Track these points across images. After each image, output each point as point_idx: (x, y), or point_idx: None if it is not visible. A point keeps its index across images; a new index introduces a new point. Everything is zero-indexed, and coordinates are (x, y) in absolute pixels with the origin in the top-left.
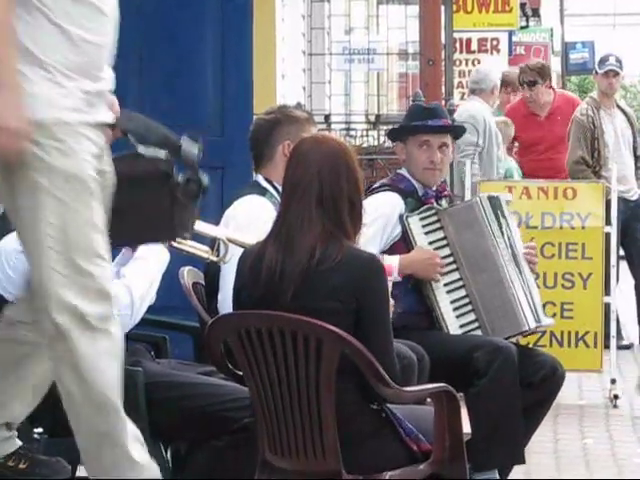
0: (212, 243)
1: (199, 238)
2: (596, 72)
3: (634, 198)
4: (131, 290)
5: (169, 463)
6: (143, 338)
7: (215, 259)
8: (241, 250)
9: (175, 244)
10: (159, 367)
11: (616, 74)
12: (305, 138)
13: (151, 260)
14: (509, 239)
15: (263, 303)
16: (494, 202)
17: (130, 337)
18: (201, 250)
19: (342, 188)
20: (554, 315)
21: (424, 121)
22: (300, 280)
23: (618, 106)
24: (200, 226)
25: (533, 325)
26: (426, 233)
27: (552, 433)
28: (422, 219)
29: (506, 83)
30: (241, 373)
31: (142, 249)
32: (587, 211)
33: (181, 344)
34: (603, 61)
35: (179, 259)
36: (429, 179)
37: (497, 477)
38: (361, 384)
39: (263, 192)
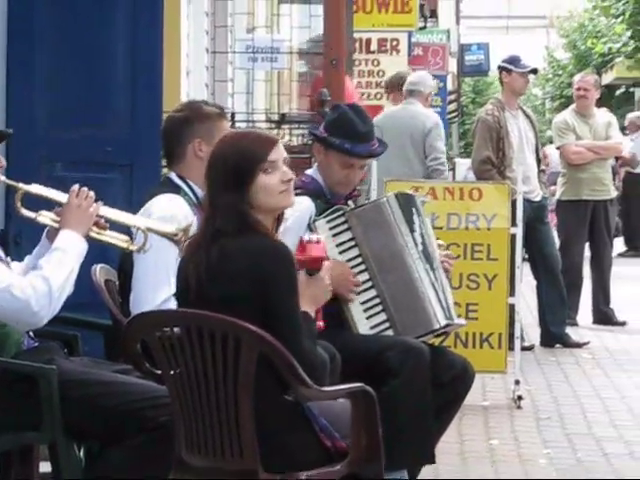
0: (129, 234)
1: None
2: (507, 71)
3: (537, 199)
4: (49, 281)
5: (82, 462)
6: (55, 336)
7: (134, 248)
8: (154, 245)
9: (94, 234)
10: (73, 365)
11: (535, 71)
12: (226, 134)
13: (69, 250)
14: (422, 237)
15: (185, 300)
16: (403, 200)
17: (42, 334)
18: (120, 240)
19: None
20: (459, 316)
21: (354, 145)
22: (208, 275)
23: (521, 108)
24: (118, 215)
25: (444, 322)
26: (334, 235)
27: (458, 433)
28: (329, 222)
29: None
30: (158, 371)
31: (60, 240)
32: (492, 212)
33: (90, 342)
34: (517, 60)
35: (90, 255)
36: (340, 191)
37: (406, 477)
38: (278, 379)
39: (177, 190)
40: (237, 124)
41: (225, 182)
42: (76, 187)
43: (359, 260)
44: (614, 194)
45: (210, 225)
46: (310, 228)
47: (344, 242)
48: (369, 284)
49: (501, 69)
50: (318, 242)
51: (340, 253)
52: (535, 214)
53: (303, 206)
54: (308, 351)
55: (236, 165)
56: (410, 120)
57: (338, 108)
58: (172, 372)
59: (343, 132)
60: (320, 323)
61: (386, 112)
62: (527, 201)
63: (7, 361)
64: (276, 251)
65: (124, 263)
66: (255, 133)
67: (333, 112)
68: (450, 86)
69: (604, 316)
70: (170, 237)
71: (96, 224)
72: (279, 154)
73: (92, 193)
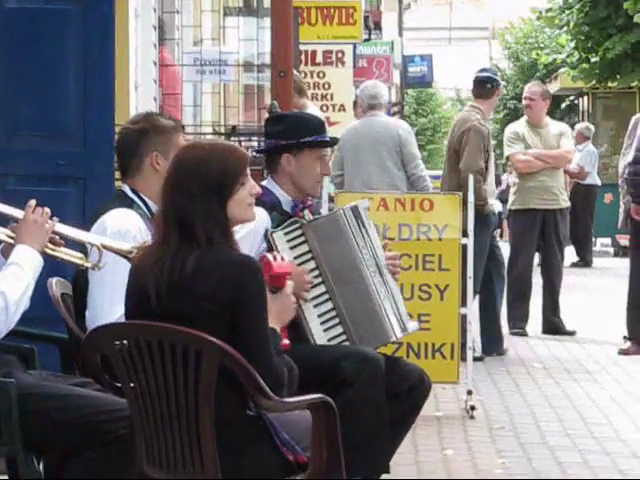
0: (84, 250)
1: (70, 245)
2: (497, 84)
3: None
4: (5, 295)
5: (42, 475)
6: (11, 349)
7: (89, 265)
8: (110, 260)
9: (49, 251)
10: (31, 378)
11: None
12: (184, 146)
13: (25, 265)
14: (372, 250)
15: (143, 314)
16: (356, 212)
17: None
18: (75, 257)
19: (214, 194)
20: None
21: (321, 135)
22: (174, 287)
23: None
24: (73, 232)
25: (400, 335)
26: (291, 248)
27: (412, 444)
28: (286, 234)
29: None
30: (119, 384)
31: (16, 254)
32: (444, 223)
33: (46, 355)
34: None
35: (45, 269)
36: (317, 190)
37: None
38: (239, 391)
39: (130, 204)
40: (186, 137)
41: (206, 192)
42: (33, 202)
43: (316, 272)
44: (565, 204)
45: (181, 235)
46: (267, 239)
47: (301, 254)
48: (326, 297)
49: (490, 81)
50: (283, 259)
51: (297, 265)
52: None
53: (258, 217)
54: (276, 367)
55: (221, 176)
56: (384, 130)
57: (281, 115)
58: (132, 385)
59: (306, 129)
60: (286, 341)
61: (354, 125)
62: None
63: None
64: (251, 267)
65: (79, 277)
66: (231, 145)
67: (279, 121)
68: (394, 97)
69: (554, 326)
70: (125, 255)
71: (51, 241)
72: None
73: (48, 209)
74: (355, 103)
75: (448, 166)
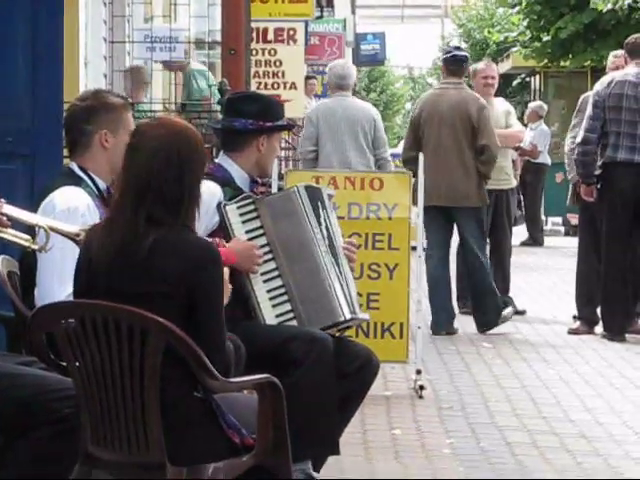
0: (31, 231)
1: (17, 226)
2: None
3: None
4: None
5: None
6: None
7: (36, 247)
8: (59, 239)
9: None
10: None
11: None
12: (142, 123)
13: None
14: (327, 230)
15: (93, 292)
16: (312, 192)
17: None
18: (22, 238)
19: (176, 174)
20: (360, 306)
21: (284, 120)
22: (128, 265)
23: None
24: (20, 213)
25: (349, 316)
26: (243, 222)
27: (360, 424)
28: (239, 207)
29: None
30: (64, 363)
31: None
32: (394, 202)
33: None
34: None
35: None
36: (270, 170)
37: (310, 468)
38: (186, 372)
39: (78, 182)
40: (136, 114)
41: (178, 174)
42: None
43: (267, 249)
44: (514, 183)
45: (139, 213)
46: (220, 212)
47: (253, 229)
48: (276, 273)
49: (466, 60)
50: (221, 245)
51: (249, 240)
52: None
53: (209, 190)
54: (228, 354)
55: (193, 161)
56: (360, 113)
57: (254, 96)
58: (77, 364)
59: (278, 112)
60: None
61: (326, 103)
62: None
63: None
64: (211, 252)
65: (26, 255)
66: (193, 128)
67: (252, 101)
68: None
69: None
70: (72, 237)
71: None
72: None
73: None
74: (307, 80)
75: (465, 142)
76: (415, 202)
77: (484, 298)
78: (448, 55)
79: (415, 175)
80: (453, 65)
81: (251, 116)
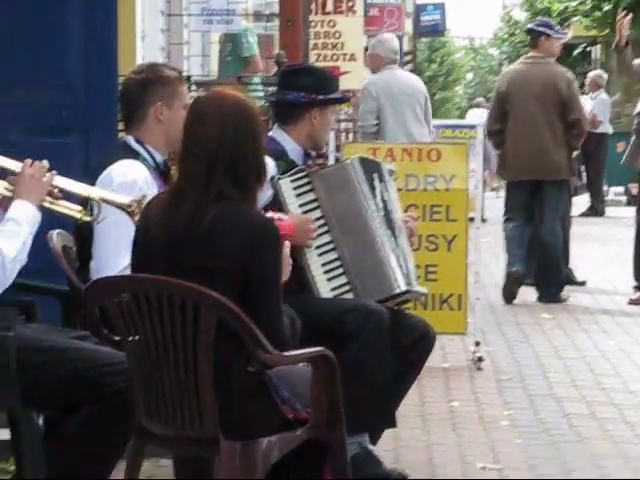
0: (84, 203)
1: (70, 198)
2: (547, 35)
3: None
4: (2, 252)
5: (41, 429)
6: (11, 302)
7: (88, 219)
8: (115, 212)
9: (47, 204)
10: (31, 332)
11: None
12: (204, 95)
13: (22, 221)
14: (383, 202)
15: (151, 265)
16: (367, 164)
17: None
18: (74, 210)
19: (243, 147)
20: (418, 278)
21: (338, 92)
22: (187, 239)
23: None
24: (71, 185)
25: (404, 287)
26: (297, 195)
27: (418, 396)
28: (293, 181)
29: None
30: (117, 338)
31: (13, 210)
32: (451, 173)
33: (47, 308)
34: (552, 25)
35: (46, 221)
36: (324, 142)
37: (367, 440)
38: (240, 347)
39: (135, 155)
40: (192, 87)
41: (248, 146)
42: (29, 160)
43: (322, 222)
44: (576, 153)
45: (201, 186)
46: (273, 186)
47: (307, 202)
48: (331, 246)
49: (539, 33)
50: (280, 219)
51: (303, 213)
52: None
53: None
54: (284, 333)
55: (259, 134)
56: (415, 85)
57: (309, 68)
58: (130, 338)
59: (332, 85)
60: None
61: (384, 77)
62: None
63: None
64: (270, 228)
65: (82, 229)
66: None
67: (307, 74)
68: (406, 47)
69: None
70: (124, 208)
71: (50, 194)
72: None
73: (46, 162)
74: (366, 51)
75: (555, 116)
76: (497, 173)
77: (550, 271)
78: (527, 29)
79: (499, 147)
80: (530, 39)
81: (304, 89)
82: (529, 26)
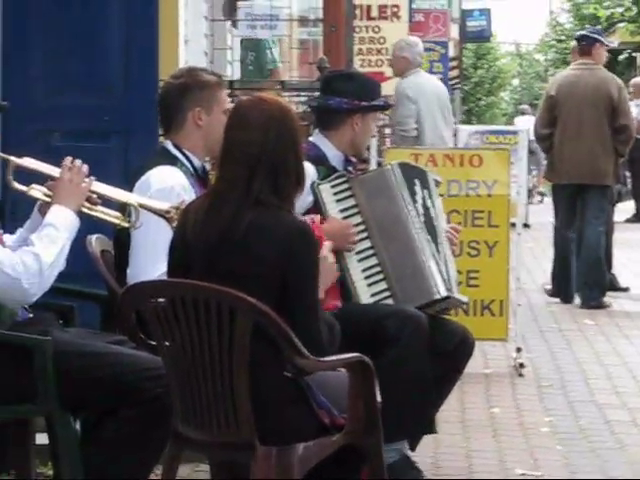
0: (122, 209)
1: (109, 204)
2: (600, 42)
3: None
4: (40, 257)
5: (78, 434)
6: (51, 307)
7: (126, 225)
8: (153, 218)
9: (85, 210)
10: (68, 336)
11: None
12: (246, 99)
13: (60, 227)
14: (424, 209)
15: (188, 270)
16: (407, 170)
17: (38, 306)
18: (112, 216)
19: (284, 153)
20: (460, 284)
21: (381, 99)
22: (225, 246)
23: None
24: (110, 191)
25: (444, 293)
26: (337, 201)
27: (459, 402)
28: (333, 187)
29: None
30: (154, 343)
31: (51, 215)
32: (493, 178)
33: (86, 313)
34: (602, 33)
35: (86, 226)
36: (364, 149)
37: (407, 447)
38: (277, 352)
39: (173, 161)
40: (236, 92)
41: (289, 151)
42: (68, 160)
43: (362, 227)
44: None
45: (239, 191)
46: (313, 192)
47: (347, 208)
48: (371, 251)
49: (593, 40)
50: (313, 222)
51: (343, 219)
52: None
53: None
54: (322, 337)
55: (299, 140)
56: (442, 88)
57: (351, 74)
58: (166, 343)
59: (374, 93)
60: (337, 302)
61: (420, 81)
62: None
63: (1, 333)
64: (307, 234)
65: (120, 234)
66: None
67: (350, 80)
68: (452, 52)
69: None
70: (162, 214)
71: (88, 199)
72: None
73: (85, 167)
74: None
75: (606, 122)
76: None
77: (593, 275)
78: (579, 36)
79: (548, 152)
80: (580, 46)
81: (346, 95)
82: (583, 33)
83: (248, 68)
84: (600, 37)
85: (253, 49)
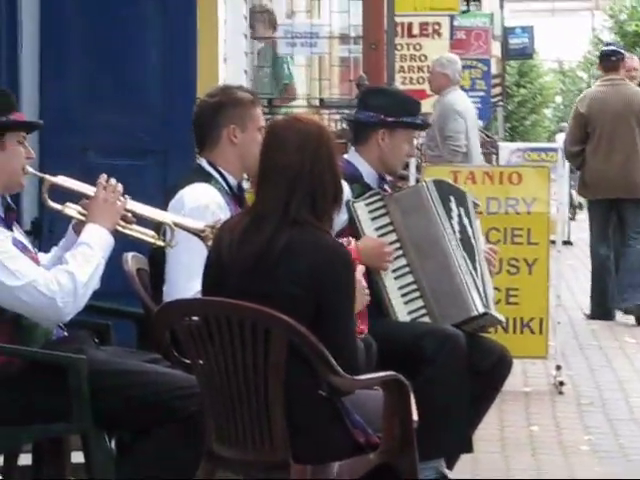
0: (158, 227)
1: (145, 222)
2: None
3: None
4: (74, 276)
5: (113, 452)
6: (86, 325)
7: (161, 244)
8: (188, 237)
9: (120, 228)
10: (104, 354)
11: None
12: (282, 119)
13: (95, 246)
14: (459, 226)
15: (222, 289)
16: (442, 187)
17: (73, 323)
18: (147, 235)
19: (321, 173)
20: (499, 301)
21: (416, 117)
22: (259, 264)
23: None
24: (145, 210)
25: (482, 310)
26: (373, 219)
27: (498, 420)
28: (368, 204)
29: None
30: (188, 361)
31: (86, 234)
32: (532, 196)
33: (122, 331)
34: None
35: (122, 244)
36: (398, 170)
37: (444, 466)
38: (311, 371)
39: (208, 178)
40: (275, 109)
41: (326, 170)
42: (103, 179)
43: (397, 245)
44: None
45: (276, 211)
46: (349, 209)
47: (382, 226)
48: (407, 269)
49: (623, 56)
50: (349, 243)
51: (378, 237)
52: None
53: None
54: (357, 358)
55: (335, 159)
56: (473, 107)
57: (383, 89)
58: (201, 362)
59: (404, 109)
60: (363, 327)
61: (463, 97)
62: None
63: (36, 351)
64: (343, 254)
65: (156, 252)
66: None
67: (380, 94)
68: (494, 70)
69: None
70: (197, 233)
71: (123, 218)
72: None
73: (120, 187)
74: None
75: (637, 135)
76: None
77: (638, 278)
78: (610, 51)
79: (579, 168)
80: (609, 62)
81: (376, 109)
82: (613, 48)
83: (263, 80)
84: (626, 53)
85: (271, 64)
